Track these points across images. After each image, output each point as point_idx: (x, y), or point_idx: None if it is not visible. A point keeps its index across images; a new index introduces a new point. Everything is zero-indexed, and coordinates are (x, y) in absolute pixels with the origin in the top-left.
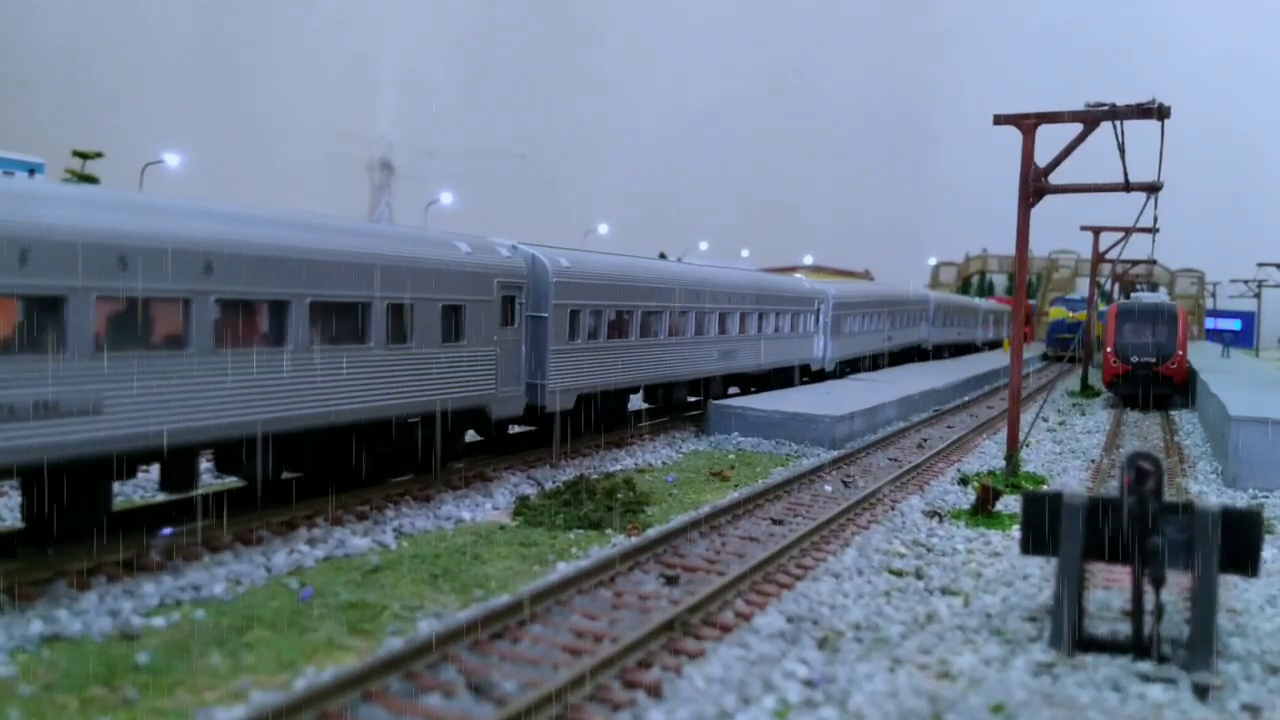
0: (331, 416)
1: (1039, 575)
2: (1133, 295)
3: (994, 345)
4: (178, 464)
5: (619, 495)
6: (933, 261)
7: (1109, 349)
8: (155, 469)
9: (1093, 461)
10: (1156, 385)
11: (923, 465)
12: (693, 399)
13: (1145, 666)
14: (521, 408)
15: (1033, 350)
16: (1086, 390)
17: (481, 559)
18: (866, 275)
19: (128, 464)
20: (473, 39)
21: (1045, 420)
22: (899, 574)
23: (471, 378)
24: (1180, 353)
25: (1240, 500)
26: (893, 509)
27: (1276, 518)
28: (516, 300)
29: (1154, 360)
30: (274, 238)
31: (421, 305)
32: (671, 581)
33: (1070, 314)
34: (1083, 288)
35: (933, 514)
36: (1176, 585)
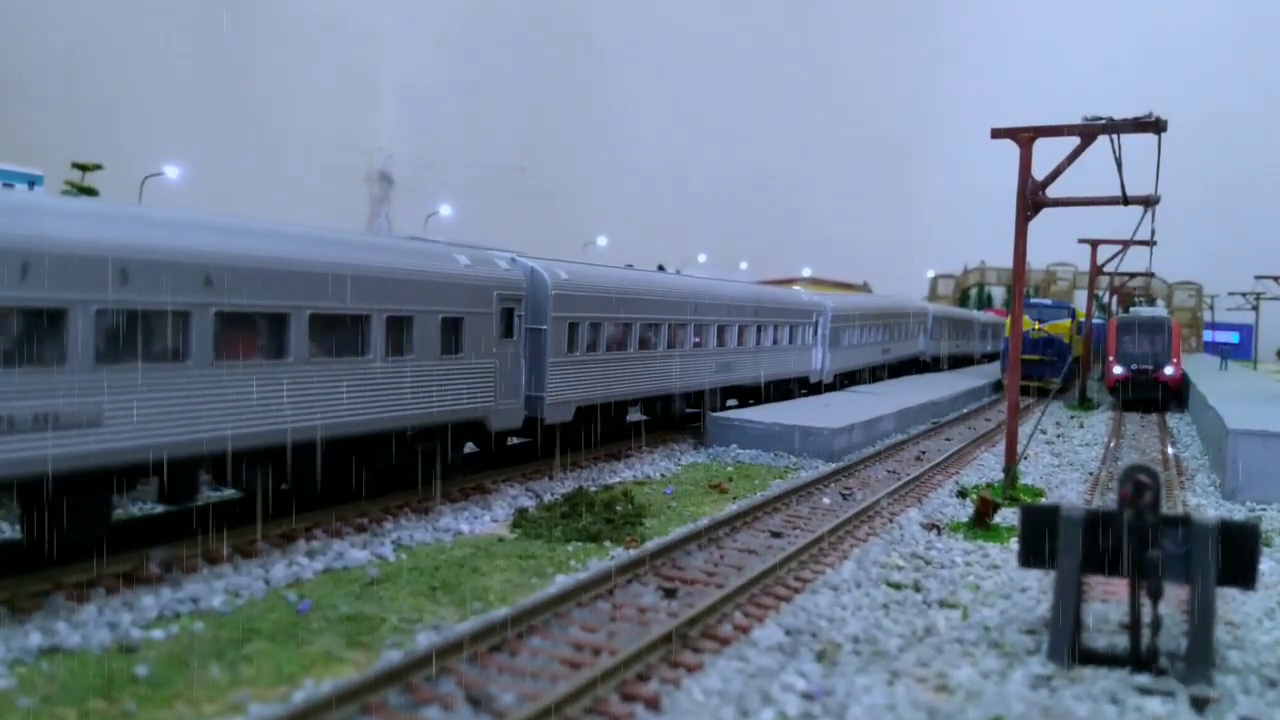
0: (331, 429)
1: (1037, 588)
2: (1131, 310)
3: (992, 358)
4: (177, 476)
5: (617, 508)
6: (931, 274)
7: (1111, 358)
8: (155, 481)
9: (1091, 474)
10: (1154, 390)
11: (921, 478)
12: (691, 411)
13: (1143, 679)
14: (520, 420)
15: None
16: (1085, 403)
17: (480, 571)
18: (865, 287)
19: (127, 476)
20: (472, 51)
21: (1043, 433)
22: (897, 587)
23: (470, 390)
24: (1175, 360)
25: (1238, 513)
26: (891, 522)
27: (1274, 530)
28: (516, 313)
29: (1151, 368)
30: (273, 250)
31: (421, 318)
32: (670, 594)
33: (1037, 324)
34: (1078, 298)
35: (931, 527)
36: (1174, 598)
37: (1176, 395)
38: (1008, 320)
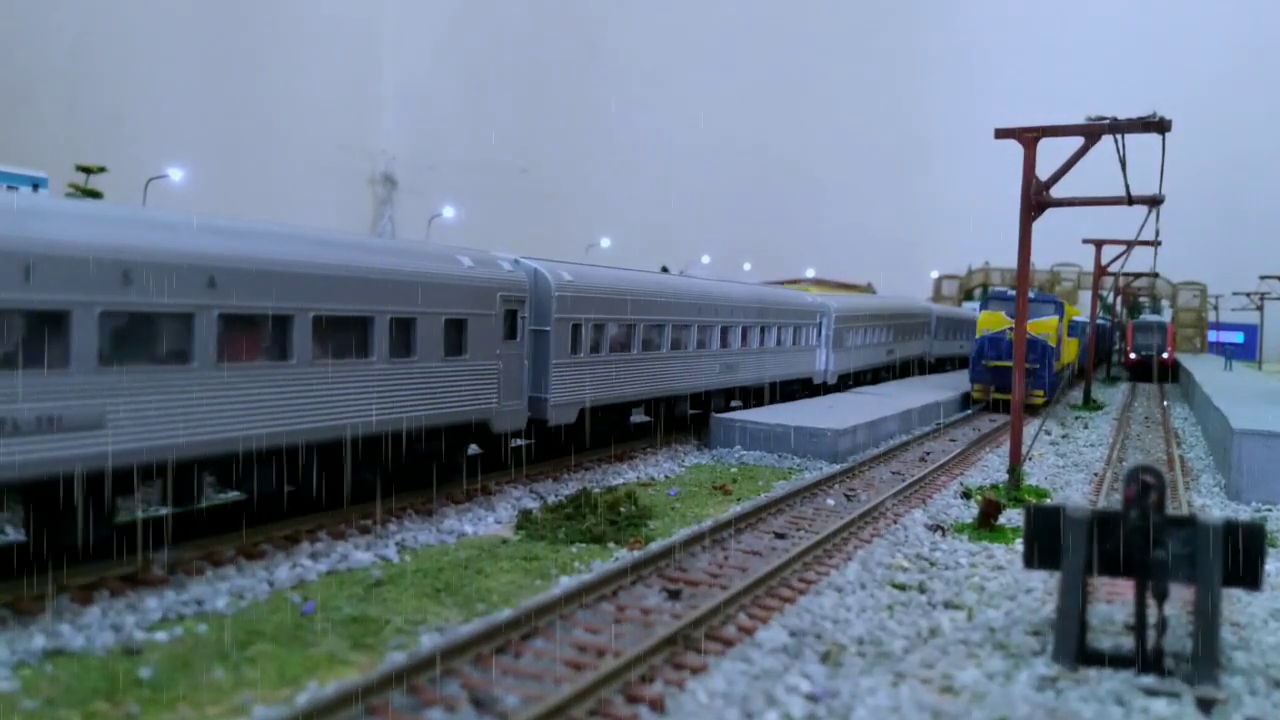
0: (334, 430)
1: (1042, 589)
2: (1141, 316)
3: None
4: (181, 478)
5: (621, 509)
6: (935, 274)
7: (1128, 347)
8: (158, 483)
9: (1096, 475)
10: (1155, 368)
11: (925, 479)
12: (694, 412)
13: (1149, 680)
14: (524, 421)
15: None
16: (1089, 404)
17: (484, 573)
18: (869, 288)
19: (130, 478)
20: (475, 53)
21: (1048, 434)
22: (902, 588)
23: (474, 391)
24: (1170, 349)
25: (1243, 514)
26: (895, 523)
27: (1279, 531)
28: (519, 314)
29: (1154, 354)
30: (277, 252)
31: (424, 319)
32: (674, 595)
33: (1012, 323)
34: (1083, 299)
35: (935, 528)
36: (1179, 599)
37: (1171, 371)
38: (983, 314)
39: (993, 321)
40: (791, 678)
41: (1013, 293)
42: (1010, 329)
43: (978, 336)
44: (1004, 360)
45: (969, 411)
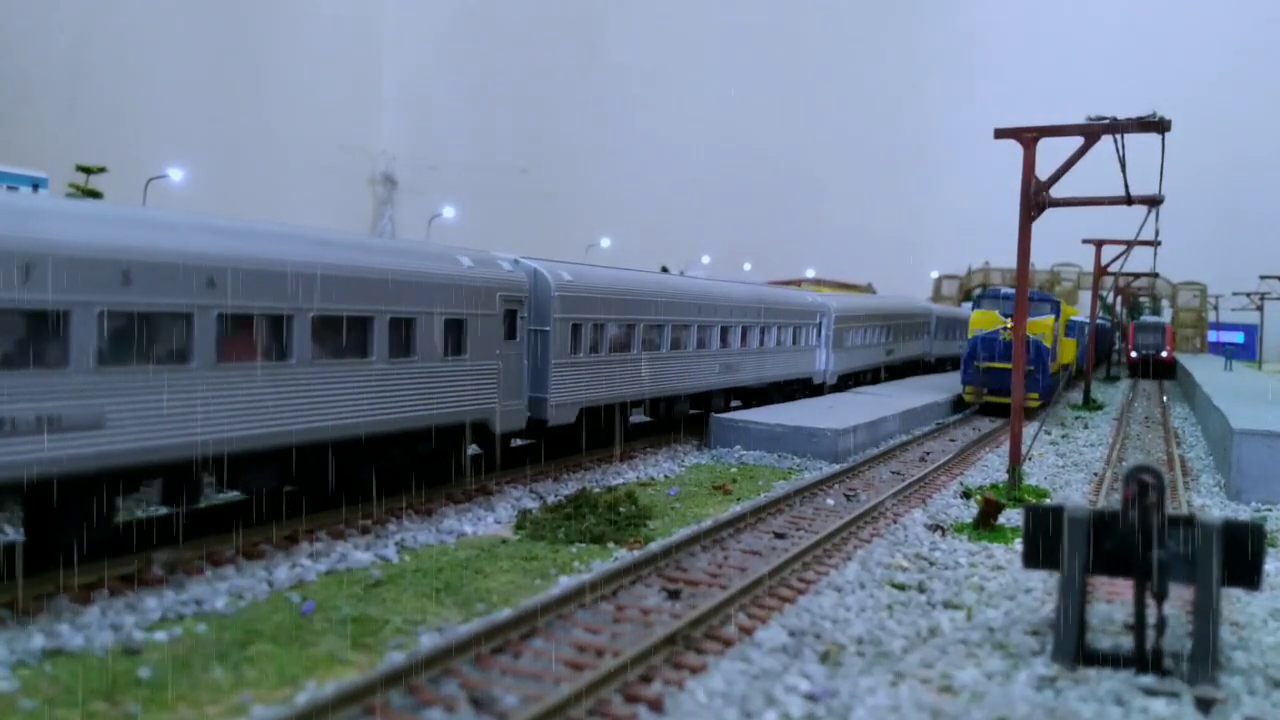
0: (334, 430)
1: (1041, 589)
2: (1141, 317)
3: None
4: (180, 478)
5: (621, 509)
6: (935, 274)
7: (1130, 347)
8: (158, 483)
9: (1095, 475)
10: (1155, 365)
11: (925, 479)
12: (694, 412)
13: (1148, 680)
14: (524, 421)
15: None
16: (1089, 404)
17: (483, 573)
18: (869, 288)
19: (130, 478)
20: (475, 53)
21: (1048, 434)
22: (901, 588)
23: (474, 391)
24: (1169, 347)
25: (1242, 513)
26: (895, 522)
27: (1279, 531)
28: (519, 314)
29: (1154, 352)
30: (276, 252)
31: (424, 319)
32: (673, 595)
33: (1006, 323)
34: (1083, 299)
35: (935, 527)
36: (1179, 599)
37: (1170, 369)
38: (975, 314)
39: (986, 321)
40: (791, 677)
41: (1006, 290)
42: (1003, 329)
43: (970, 336)
44: (997, 361)
45: (967, 412)
